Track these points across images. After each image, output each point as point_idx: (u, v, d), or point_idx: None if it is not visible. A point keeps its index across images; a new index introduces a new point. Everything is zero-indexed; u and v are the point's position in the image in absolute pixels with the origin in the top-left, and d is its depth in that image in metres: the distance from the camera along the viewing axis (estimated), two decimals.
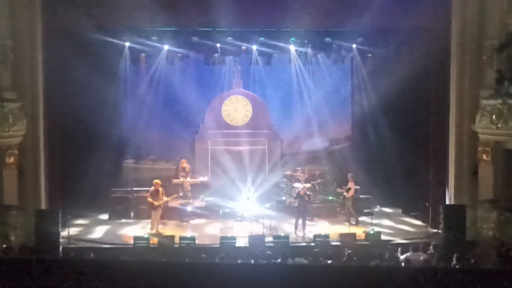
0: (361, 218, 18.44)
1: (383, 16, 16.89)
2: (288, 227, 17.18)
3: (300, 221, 16.99)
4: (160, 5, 16.52)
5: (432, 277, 3.31)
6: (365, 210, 18.85)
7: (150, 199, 16.90)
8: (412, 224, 18.43)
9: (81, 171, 18.32)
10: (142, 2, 16.48)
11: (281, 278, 3.34)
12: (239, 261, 12.10)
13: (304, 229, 16.85)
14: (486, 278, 3.33)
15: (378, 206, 20.11)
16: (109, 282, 3.30)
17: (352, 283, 3.32)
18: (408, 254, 13.43)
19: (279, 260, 12.53)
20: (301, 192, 17.37)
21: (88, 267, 3.58)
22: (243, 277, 3.41)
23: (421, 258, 13.16)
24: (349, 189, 18.13)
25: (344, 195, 18.19)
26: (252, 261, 12.17)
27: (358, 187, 18.90)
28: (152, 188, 17.09)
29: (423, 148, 18.73)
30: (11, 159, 15.78)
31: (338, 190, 18.73)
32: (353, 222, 17.67)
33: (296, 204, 17.39)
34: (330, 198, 19.46)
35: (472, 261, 12.45)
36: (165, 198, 17.13)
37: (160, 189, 17.07)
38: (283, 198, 19.49)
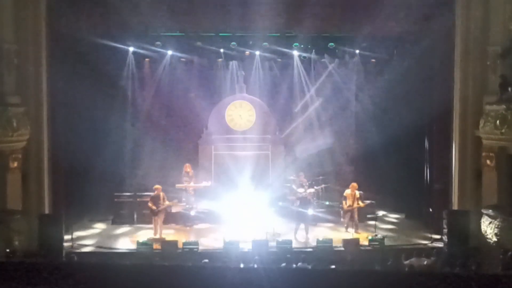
0: (364, 224, 18.40)
1: (387, 22, 16.91)
2: (291, 232, 17.14)
3: (302, 226, 16.97)
4: (164, 10, 16.58)
5: (435, 282, 3.31)
6: (368, 216, 18.81)
7: (150, 204, 16.95)
8: (415, 229, 18.37)
9: (84, 176, 18.36)
10: (146, 7, 16.54)
11: (284, 282, 3.34)
12: (242, 265, 12.08)
13: (307, 233, 16.83)
14: (490, 283, 3.33)
15: (381, 212, 20.08)
16: (111, 284, 3.31)
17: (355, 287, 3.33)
18: (411, 259, 13.40)
19: (283, 265, 12.52)
20: (308, 196, 17.39)
21: (90, 270, 3.59)
22: (246, 281, 3.41)
23: (425, 263, 13.13)
24: (359, 198, 17.76)
25: (359, 205, 17.77)
26: (255, 266, 12.13)
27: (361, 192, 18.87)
28: (153, 193, 17.13)
29: (427, 154, 18.70)
30: (15, 164, 15.79)
31: (361, 203, 17.73)
32: (354, 229, 17.64)
33: (298, 209, 17.37)
34: (327, 203, 19.40)
35: (474, 267, 12.39)
36: (167, 203, 17.16)
37: (162, 194, 17.09)
38: (284, 203, 19.45)
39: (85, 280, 3.36)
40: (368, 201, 18.11)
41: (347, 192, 17.70)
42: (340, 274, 3.76)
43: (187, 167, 19.63)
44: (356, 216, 17.63)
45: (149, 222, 17.61)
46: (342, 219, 17.95)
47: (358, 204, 17.59)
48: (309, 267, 12.58)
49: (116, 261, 14.44)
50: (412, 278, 3.51)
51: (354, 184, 17.79)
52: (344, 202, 17.73)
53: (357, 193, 17.66)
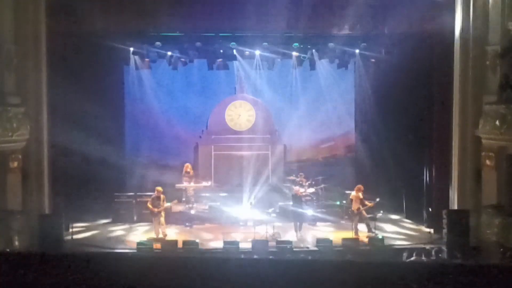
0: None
1: (386, 22, 16.93)
2: (291, 232, 17.16)
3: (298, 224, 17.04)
4: (164, 11, 16.59)
5: (437, 272, 3.31)
6: (368, 215, 18.79)
7: (149, 205, 16.95)
8: (415, 229, 18.38)
9: (84, 176, 18.35)
10: (146, 7, 16.56)
11: (284, 273, 3.34)
12: (242, 256, 12.02)
13: (300, 230, 16.85)
14: (491, 275, 3.33)
15: (381, 211, 20.03)
16: (112, 277, 3.30)
17: (355, 278, 3.32)
18: (411, 259, 13.40)
19: None
20: (298, 193, 17.35)
21: (90, 262, 3.59)
22: (247, 273, 3.41)
23: None
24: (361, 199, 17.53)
25: (367, 205, 17.52)
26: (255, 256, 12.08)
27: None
28: (154, 194, 17.13)
29: (427, 153, 18.70)
30: (15, 164, 15.79)
31: (368, 203, 17.42)
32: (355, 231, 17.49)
33: (292, 207, 17.39)
34: (338, 203, 19.29)
35: None
36: (166, 204, 17.16)
37: (162, 196, 17.08)
38: (290, 203, 19.42)
39: (86, 270, 3.36)
40: (372, 201, 17.89)
41: (353, 194, 17.44)
42: (341, 265, 3.77)
43: (187, 167, 19.65)
44: (362, 217, 17.54)
45: (149, 222, 17.63)
46: (349, 222, 17.72)
47: (364, 205, 17.40)
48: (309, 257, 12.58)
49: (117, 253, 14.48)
50: (414, 269, 3.52)
51: (360, 186, 17.49)
52: (352, 204, 17.37)
53: (360, 194, 17.36)
